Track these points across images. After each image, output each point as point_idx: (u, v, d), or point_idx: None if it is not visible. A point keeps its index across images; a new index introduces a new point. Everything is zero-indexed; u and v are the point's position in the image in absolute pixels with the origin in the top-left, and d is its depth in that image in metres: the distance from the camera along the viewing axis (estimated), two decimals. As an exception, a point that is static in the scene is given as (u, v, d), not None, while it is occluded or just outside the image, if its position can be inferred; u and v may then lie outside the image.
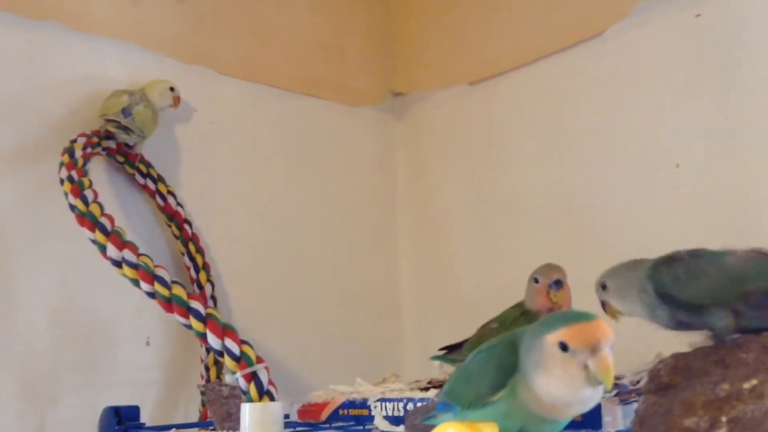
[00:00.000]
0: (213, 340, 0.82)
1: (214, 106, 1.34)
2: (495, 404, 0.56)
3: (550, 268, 0.92)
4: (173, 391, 1.20)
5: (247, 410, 0.79)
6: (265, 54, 1.43)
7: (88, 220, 0.90)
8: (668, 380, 0.60)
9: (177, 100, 1.22)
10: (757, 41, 1.05)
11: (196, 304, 0.83)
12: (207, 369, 1.17)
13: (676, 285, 0.64)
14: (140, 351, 1.18)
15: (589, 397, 0.53)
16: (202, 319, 0.83)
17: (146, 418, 1.10)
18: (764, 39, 1.04)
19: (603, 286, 0.74)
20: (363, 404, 0.96)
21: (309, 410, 1.04)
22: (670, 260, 0.67)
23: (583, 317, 0.52)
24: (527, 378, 0.54)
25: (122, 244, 0.88)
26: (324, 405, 1.02)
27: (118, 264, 0.87)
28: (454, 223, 1.48)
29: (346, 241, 1.49)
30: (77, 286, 1.12)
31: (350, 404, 0.99)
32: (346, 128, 1.54)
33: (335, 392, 1.03)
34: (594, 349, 0.51)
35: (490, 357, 0.59)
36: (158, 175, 1.22)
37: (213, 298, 1.22)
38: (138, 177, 1.20)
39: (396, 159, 1.61)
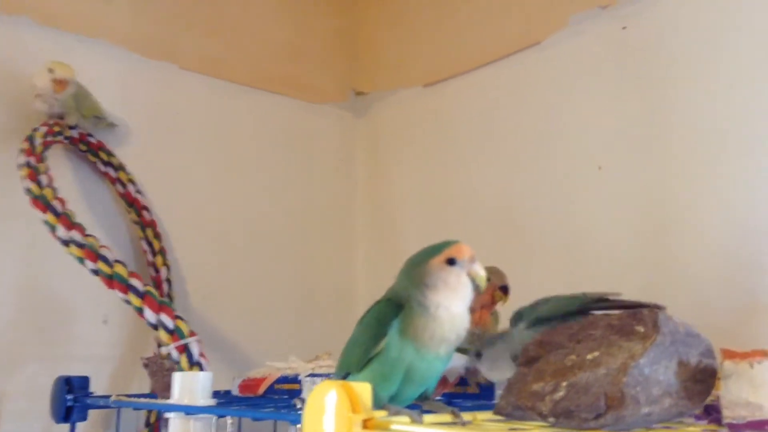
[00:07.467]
0: (149, 315, 0.90)
1: (177, 100, 1.41)
2: (379, 355, 0.64)
3: (497, 274, 0.95)
4: (127, 367, 1.27)
5: (177, 379, 0.87)
6: (228, 52, 1.51)
7: (40, 202, 0.97)
8: (534, 354, 0.68)
9: (57, 83, 1.17)
10: (675, 54, 1.13)
11: (135, 282, 0.91)
12: (159, 346, 1.25)
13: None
14: (97, 329, 1.26)
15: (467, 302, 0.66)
16: (140, 295, 0.91)
17: (102, 390, 1.18)
18: (682, 53, 1.12)
19: (477, 355, 0.82)
20: (295, 379, 1.04)
21: (248, 385, 1.11)
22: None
23: (456, 241, 0.66)
24: (418, 306, 0.64)
25: (71, 224, 0.95)
26: (261, 380, 1.09)
27: (66, 243, 0.95)
28: (407, 216, 1.56)
29: (305, 232, 1.57)
30: (39, 267, 1.19)
31: (284, 379, 1.06)
32: (308, 123, 1.62)
33: (272, 368, 1.10)
34: (472, 259, 0.65)
35: (368, 317, 0.67)
36: (119, 164, 1.29)
37: (168, 280, 1.29)
38: (99, 165, 1.28)
39: (355, 154, 1.69)
